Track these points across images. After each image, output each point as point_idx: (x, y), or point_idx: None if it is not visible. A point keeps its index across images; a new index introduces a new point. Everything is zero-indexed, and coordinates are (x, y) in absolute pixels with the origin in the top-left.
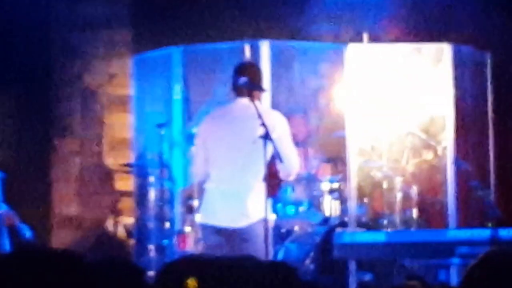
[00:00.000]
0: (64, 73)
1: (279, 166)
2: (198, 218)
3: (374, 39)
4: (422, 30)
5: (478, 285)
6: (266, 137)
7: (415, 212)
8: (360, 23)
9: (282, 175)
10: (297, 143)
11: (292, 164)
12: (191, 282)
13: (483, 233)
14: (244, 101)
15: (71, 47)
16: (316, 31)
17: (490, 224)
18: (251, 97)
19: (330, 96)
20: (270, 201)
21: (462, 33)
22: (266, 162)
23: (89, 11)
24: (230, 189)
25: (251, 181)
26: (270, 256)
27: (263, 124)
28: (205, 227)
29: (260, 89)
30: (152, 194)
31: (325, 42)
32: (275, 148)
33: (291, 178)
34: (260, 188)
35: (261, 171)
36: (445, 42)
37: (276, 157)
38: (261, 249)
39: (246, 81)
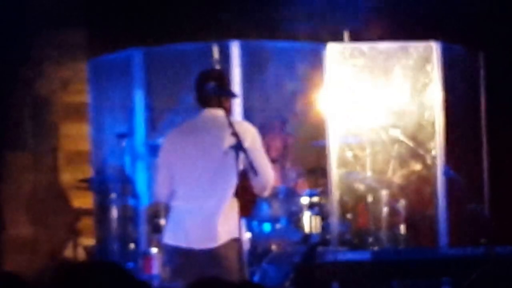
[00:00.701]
0: (12, 80)
1: (253, 181)
2: (164, 238)
3: (355, 37)
4: (409, 28)
5: None
6: (238, 147)
7: (403, 228)
8: (340, 20)
9: (256, 190)
10: (273, 154)
11: (267, 178)
12: None
13: (477, 251)
14: (212, 111)
15: (20, 50)
16: (292, 29)
17: (484, 241)
18: (220, 105)
19: (309, 101)
20: (243, 219)
21: (452, 31)
22: (237, 176)
23: (39, 10)
24: (198, 207)
25: (221, 198)
26: (246, 279)
27: (234, 133)
28: (170, 248)
29: (230, 94)
30: (114, 212)
31: (302, 41)
32: (248, 159)
33: (266, 193)
34: (231, 205)
35: (232, 186)
36: (434, 41)
37: (249, 170)
38: (235, 271)
39: (214, 86)
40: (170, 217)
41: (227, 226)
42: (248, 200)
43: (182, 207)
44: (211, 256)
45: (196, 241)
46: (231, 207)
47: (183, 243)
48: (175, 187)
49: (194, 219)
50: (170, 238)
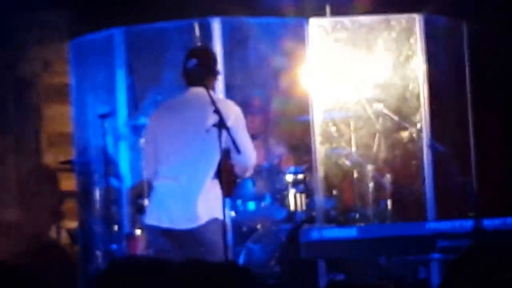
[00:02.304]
0: None
1: (235, 160)
2: (145, 219)
3: (337, 11)
4: (391, 0)
5: (462, 281)
6: (221, 125)
7: (389, 204)
8: None
9: (238, 170)
10: (256, 131)
11: (249, 157)
12: None
13: (465, 224)
14: (196, 89)
15: (1, 33)
16: (273, 5)
17: (472, 214)
18: (203, 83)
19: (291, 76)
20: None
21: (434, 2)
22: (220, 155)
23: None
24: (178, 186)
25: (203, 177)
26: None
27: (217, 111)
28: (152, 229)
29: (212, 72)
30: (97, 194)
31: (284, 17)
32: (231, 138)
33: (248, 174)
34: (213, 184)
35: (214, 165)
36: (417, 13)
37: (231, 148)
38: (218, 252)
39: (196, 63)
40: (152, 197)
41: (208, 206)
42: (229, 180)
43: (163, 186)
44: (193, 236)
45: (177, 221)
46: (213, 186)
47: (164, 224)
48: (158, 165)
49: (174, 198)
50: (151, 218)
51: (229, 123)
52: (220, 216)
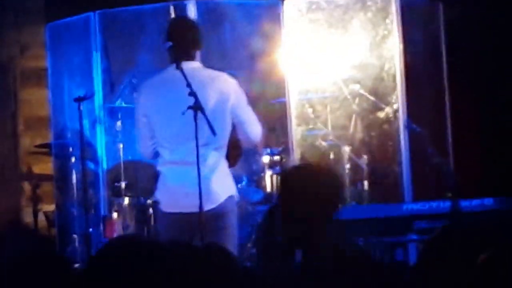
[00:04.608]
0: None
1: (241, 136)
2: (161, 207)
3: None
4: None
5: (435, 262)
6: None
7: (366, 185)
8: None
9: (244, 143)
10: None
11: (256, 131)
12: None
13: (442, 205)
14: (188, 64)
15: None
16: None
17: (449, 195)
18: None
19: (267, 58)
20: None
21: None
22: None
23: None
24: (193, 170)
25: (216, 158)
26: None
27: (218, 90)
28: (170, 216)
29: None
30: (74, 177)
31: None
32: (239, 115)
33: (256, 144)
34: (223, 162)
35: (224, 145)
36: None
37: (237, 125)
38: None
39: (170, 45)
40: (163, 184)
41: (223, 184)
42: (235, 153)
43: (174, 172)
44: (213, 216)
45: (196, 204)
46: (223, 164)
47: (185, 209)
48: (159, 148)
49: (190, 182)
50: (169, 206)
51: (231, 103)
52: (234, 193)
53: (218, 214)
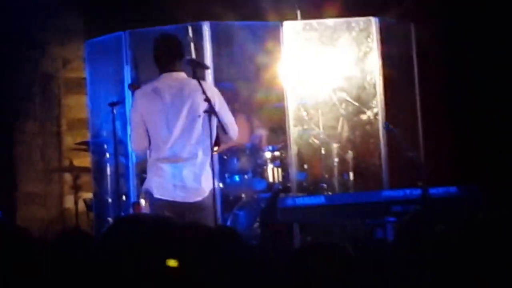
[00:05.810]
0: (22, 60)
1: (222, 137)
2: (154, 192)
3: (307, 15)
4: (351, 6)
5: (410, 238)
6: (211, 110)
7: (351, 176)
8: (293, 1)
9: (224, 140)
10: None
11: (234, 132)
12: (172, 263)
13: (414, 192)
14: (179, 74)
15: (28, 36)
16: (253, 10)
17: (420, 184)
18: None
19: (270, 70)
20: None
21: (387, 7)
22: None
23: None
24: (189, 164)
25: (203, 155)
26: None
27: (207, 100)
28: (163, 203)
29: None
30: (108, 169)
31: (263, 20)
32: (220, 119)
33: (234, 140)
34: (208, 160)
35: (210, 144)
36: (373, 17)
37: (225, 126)
38: (212, 214)
39: (190, 59)
40: (158, 175)
41: (207, 179)
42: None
43: (171, 167)
44: (198, 206)
45: (189, 196)
46: (208, 161)
47: (178, 198)
48: (155, 146)
49: (185, 177)
50: (164, 194)
51: (217, 106)
52: (212, 186)
53: (202, 205)
